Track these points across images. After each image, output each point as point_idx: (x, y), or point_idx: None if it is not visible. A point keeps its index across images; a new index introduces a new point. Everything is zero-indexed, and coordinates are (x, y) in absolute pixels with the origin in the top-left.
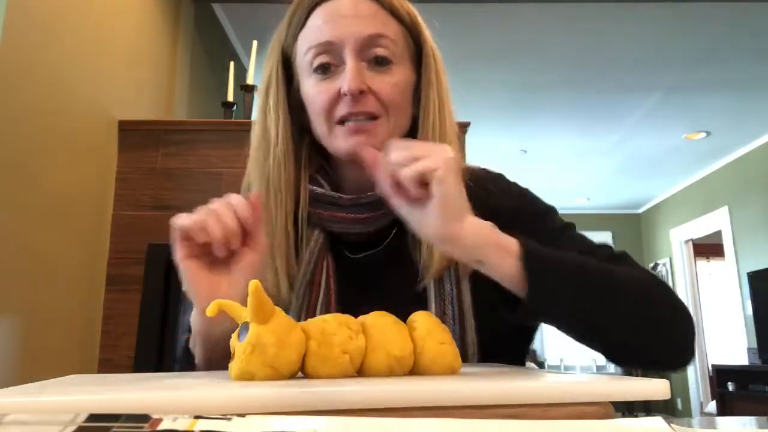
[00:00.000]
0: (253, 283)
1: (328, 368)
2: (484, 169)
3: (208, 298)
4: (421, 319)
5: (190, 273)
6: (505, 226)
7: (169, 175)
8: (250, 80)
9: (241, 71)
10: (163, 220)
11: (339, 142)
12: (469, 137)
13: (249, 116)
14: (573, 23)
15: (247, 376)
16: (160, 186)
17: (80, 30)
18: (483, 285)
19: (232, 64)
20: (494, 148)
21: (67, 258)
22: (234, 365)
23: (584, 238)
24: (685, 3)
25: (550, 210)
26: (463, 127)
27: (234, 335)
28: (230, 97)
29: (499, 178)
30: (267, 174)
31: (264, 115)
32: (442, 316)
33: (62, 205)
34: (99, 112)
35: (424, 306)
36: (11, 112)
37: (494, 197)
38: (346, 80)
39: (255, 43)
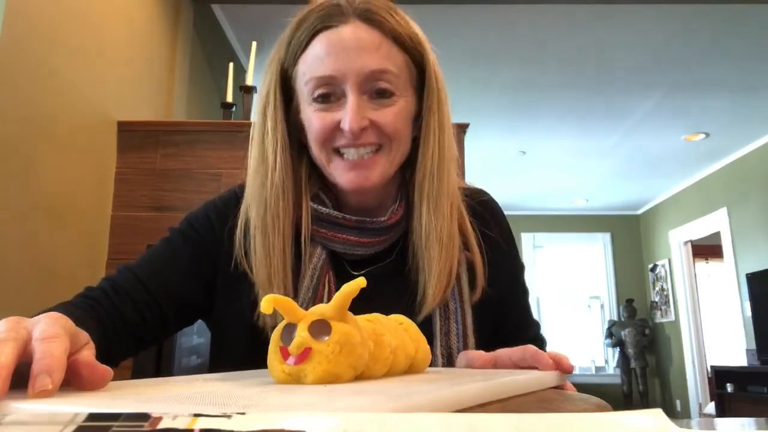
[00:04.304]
0: (352, 283)
1: (380, 368)
2: (485, 193)
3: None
4: (406, 320)
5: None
6: (490, 258)
7: (168, 175)
8: (249, 81)
9: (240, 72)
10: (161, 221)
11: (337, 175)
12: (469, 138)
13: (248, 117)
14: (573, 24)
15: (331, 379)
16: (159, 187)
17: (80, 31)
18: (486, 303)
19: (231, 65)
20: (493, 149)
21: (66, 258)
22: (313, 367)
23: (529, 308)
24: (684, 4)
25: (524, 266)
26: (463, 128)
27: (276, 336)
28: (229, 98)
29: (498, 209)
30: (265, 200)
31: (262, 137)
32: (447, 333)
33: (61, 205)
34: (98, 112)
35: (428, 323)
36: (10, 112)
37: (491, 227)
38: (347, 117)
39: (254, 44)
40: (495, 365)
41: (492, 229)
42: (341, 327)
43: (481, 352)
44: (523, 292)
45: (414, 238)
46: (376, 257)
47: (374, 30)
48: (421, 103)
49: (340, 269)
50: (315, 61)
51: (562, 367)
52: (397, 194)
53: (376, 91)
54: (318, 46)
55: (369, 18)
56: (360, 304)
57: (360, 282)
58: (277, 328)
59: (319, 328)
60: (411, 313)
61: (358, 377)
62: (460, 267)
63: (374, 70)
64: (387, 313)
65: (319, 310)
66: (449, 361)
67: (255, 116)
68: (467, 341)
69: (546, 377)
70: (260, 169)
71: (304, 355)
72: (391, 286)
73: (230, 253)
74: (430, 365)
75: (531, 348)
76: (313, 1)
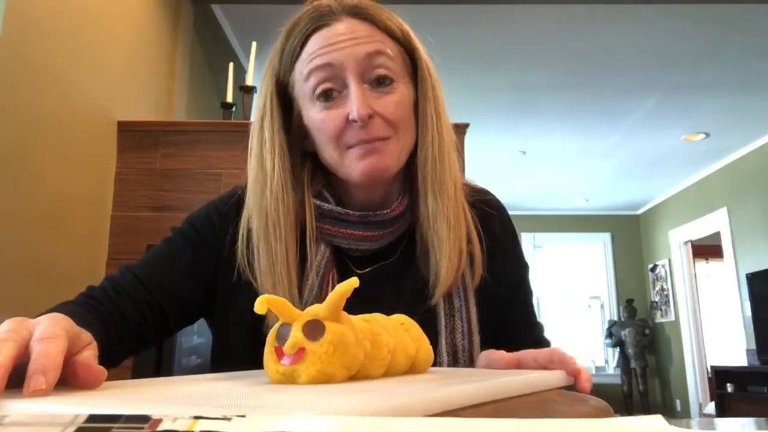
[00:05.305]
0: (346, 283)
1: (377, 368)
2: (489, 192)
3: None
4: (407, 320)
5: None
6: (492, 254)
7: (167, 175)
8: (249, 81)
9: (240, 72)
10: (161, 221)
11: (352, 167)
12: (468, 138)
13: (248, 117)
14: (572, 25)
15: (324, 379)
16: (159, 187)
17: (79, 31)
18: (487, 300)
19: (231, 65)
20: (493, 149)
21: (65, 259)
22: (307, 367)
23: (533, 309)
24: (683, 4)
25: (528, 266)
26: (462, 128)
27: (272, 337)
28: (229, 98)
29: (502, 208)
30: (265, 208)
31: (260, 148)
32: (452, 331)
33: (61, 205)
34: (98, 112)
35: (432, 321)
36: (10, 112)
37: (494, 223)
38: (353, 107)
39: (254, 44)
40: (519, 366)
41: (495, 226)
42: (335, 327)
43: (503, 352)
44: (526, 291)
45: (421, 222)
46: (380, 255)
47: (366, 23)
48: (417, 93)
49: (344, 268)
50: (311, 57)
51: (579, 382)
52: (401, 188)
53: (376, 80)
54: (312, 44)
55: (359, 14)
56: (364, 303)
57: (353, 282)
58: (272, 328)
59: (315, 329)
60: (422, 301)
61: (354, 377)
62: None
63: (370, 53)
64: (392, 310)
65: (313, 310)
66: (454, 360)
67: (252, 127)
68: (472, 339)
69: (548, 378)
70: (259, 177)
71: (298, 355)
72: (395, 284)
73: (232, 259)
74: (435, 364)
75: (558, 350)
76: (305, 4)
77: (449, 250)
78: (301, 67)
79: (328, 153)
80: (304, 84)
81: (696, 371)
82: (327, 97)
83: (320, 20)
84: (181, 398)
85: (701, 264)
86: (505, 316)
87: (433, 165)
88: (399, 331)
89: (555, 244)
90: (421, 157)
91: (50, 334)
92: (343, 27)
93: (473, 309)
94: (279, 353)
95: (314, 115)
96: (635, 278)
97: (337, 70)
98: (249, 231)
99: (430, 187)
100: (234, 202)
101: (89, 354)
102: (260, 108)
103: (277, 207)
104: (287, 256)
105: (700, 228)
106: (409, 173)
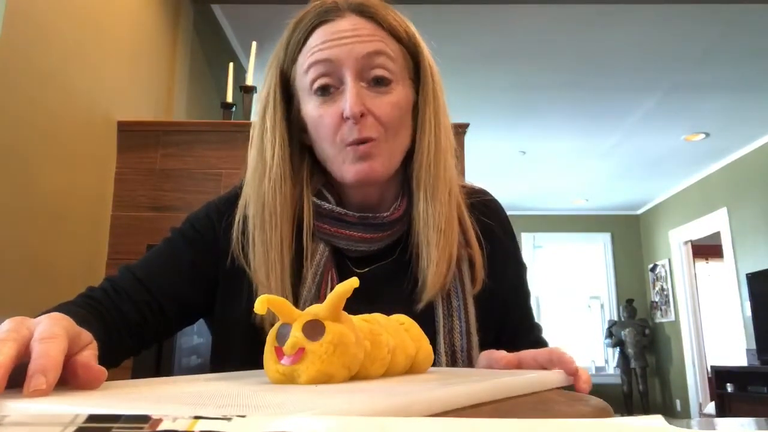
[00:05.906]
0: (346, 283)
1: (377, 368)
2: (487, 193)
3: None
4: (407, 320)
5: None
6: (491, 255)
7: (167, 175)
8: (249, 81)
9: (240, 72)
10: (161, 221)
11: (343, 169)
12: (468, 138)
13: (248, 117)
14: (572, 24)
15: (324, 379)
16: (159, 187)
17: (79, 31)
18: (487, 302)
19: (231, 64)
20: (493, 149)
21: (66, 259)
22: (307, 367)
23: (531, 310)
24: (683, 4)
25: (526, 267)
26: (462, 128)
27: (272, 336)
28: (229, 98)
29: (501, 209)
30: (263, 196)
31: (261, 138)
32: (450, 331)
33: (61, 205)
34: (98, 112)
35: (431, 320)
36: (10, 112)
37: (493, 225)
38: (347, 104)
39: (254, 44)
40: (519, 366)
41: (495, 228)
42: (335, 327)
43: (504, 352)
44: (525, 292)
45: (414, 227)
46: (379, 255)
47: (370, 22)
48: (418, 95)
49: (343, 267)
50: (312, 50)
51: (578, 383)
52: (399, 189)
53: (373, 79)
54: (314, 38)
55: (364, 11)
56: (364, 303)
57: (353, 282)
58: (272, 328)
59: (315, 329)
60: (412, 303)
61: (355, 377)
62: (461, 263)
63: (370, 52)
64: (390, 310)
65: (313, 310)
66: (453, 360)
67: (254, 118)
68: (471, 339)
69: (548, 378)
70: (258, 166)
71: (298, 355)
72: (394, 284)
73: (229, 252)
74: (433, 364)
75: (557, 350)
76: (311, 2)
77: (437, 257)
78: (303, 60)
79: (324, 148)
80: (303, 76)
81: (696, 371)
82: (324, 92)
83: (325, 15)
84: (181, 398)
85: (701, 264)
86: (505, 317)
87: (427, 170)
88: (399, 331)
89: (555, 244)
90: (416, 161)
91: (50, 334)
92: (346, 24)
93: (472, 309)
94: (279, 353)
95: (311, 110)
96: (635, 278)
97: (335, 66)
98: (245, 218)
99: (422, 193)
100: (232, 201)
101: (89, 354)
102: (263, 98)
103: (274, 196)
104: (282, 245)
105: (700, 228)
106: (408, 176)
